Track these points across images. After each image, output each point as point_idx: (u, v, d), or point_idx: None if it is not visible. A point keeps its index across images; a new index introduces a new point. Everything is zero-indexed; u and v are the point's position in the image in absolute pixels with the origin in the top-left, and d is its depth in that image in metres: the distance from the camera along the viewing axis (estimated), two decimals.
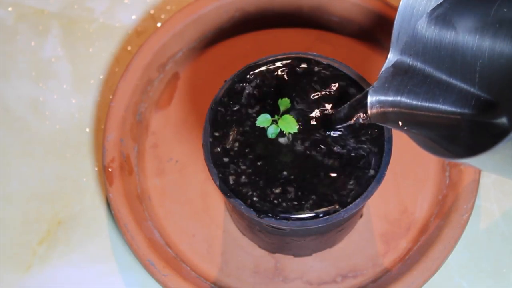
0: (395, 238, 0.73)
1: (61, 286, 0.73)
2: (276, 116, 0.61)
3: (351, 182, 0.60)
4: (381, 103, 0.58)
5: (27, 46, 0.81)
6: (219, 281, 0.72)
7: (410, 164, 0.75)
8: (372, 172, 0.60)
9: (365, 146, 0.61)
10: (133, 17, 0.82)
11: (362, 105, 0.59)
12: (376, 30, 0.78)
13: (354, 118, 0.59)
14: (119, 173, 0.73)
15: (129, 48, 0.81)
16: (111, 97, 0.77)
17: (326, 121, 0.61)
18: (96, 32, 0.82)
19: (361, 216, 0.73)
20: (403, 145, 0.73)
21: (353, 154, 0.61)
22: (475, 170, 0.71)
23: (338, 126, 0.61)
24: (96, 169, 0.77)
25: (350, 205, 0.59)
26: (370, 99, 0.58)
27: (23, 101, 0.79)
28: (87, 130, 0.78)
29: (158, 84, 0.77)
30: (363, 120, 0.59)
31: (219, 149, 0.61)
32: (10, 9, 0.82)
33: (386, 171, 0.60)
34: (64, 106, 0.79)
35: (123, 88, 0.75)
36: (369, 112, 0.58)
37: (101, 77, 0.80)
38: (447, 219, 0.71)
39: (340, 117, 0.60)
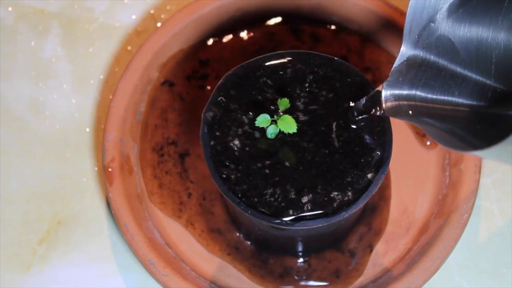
0: (395, 238, 0.73)
1: (61, 286, 0.73)
2: (275, 116, 0.61)
3: (352, 182, 0.60)
4: (396, 97, 0.58)
5: (27, 46, 0.81)
6: (219, 281, 0.72)
7: (410, 164, 0.75)
8: (372, 172, 0.60)
9: (366, 147, 0.61)
10: (133, 17, 0.82)
11: (376, 99, 0.59)
12: (376, 30, 0.78)
13: (370, 111, 0.59)
14: (119, 173, 0.73)
15: (129, 48, 0.81)
16: (111, 97, 0.76)
17: (338, 115, 0.61)
18: (96, 32, 0.81)
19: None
20: (403, 145, 0.73)
21: (353, 154, 0.61)
22: (475, 170, 0.71)
23: (355, 119, 0.61)
24: (96, 169, 0.77)
25: (351, 205, 0.59)
26: (385, 93, 0.58)
27: (23, 101, 0.79)
28: (87, 130, 0.78)
29: (158, 83, 0.77)
30: (378, 113, 0.59)
31: (219, 149, 0.61)
32: (10, 9, 0.82)
33: (386, 171, 0.60)
34: (64, 106, 0.79)
35: (123, 88, 0.75)
36: (383, 105, 0.58)
37: (101, 77, 0.80)
38: (447, 219, 0.71)
39: (356, 110, 0.60)
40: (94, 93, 0.79)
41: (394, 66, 0.59)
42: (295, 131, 0.60)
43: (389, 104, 0.58)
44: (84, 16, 0.82)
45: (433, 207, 0.73)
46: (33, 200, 0.76)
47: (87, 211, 0.76)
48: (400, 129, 0.73)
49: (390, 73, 0.59)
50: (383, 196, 0.73)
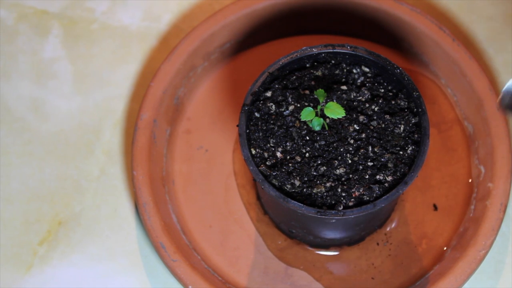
0: (409, 262, 0.72)
1: (61, 286, 0.73)
2: (318, 107, 0.62)
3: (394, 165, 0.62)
4: None
5: (27, 46, 0.81)
6: (227, 276, 0.72)
7: (438, 190, 0.74)
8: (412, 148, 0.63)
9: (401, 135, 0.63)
10: (134, 17, 0.82)
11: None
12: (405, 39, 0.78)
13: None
14: (147, 153, 0.72)
15: (129, 48, 0.81)
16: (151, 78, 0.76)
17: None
18: (96, 32, 0.82)
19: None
20: (435, 171, 0.74)
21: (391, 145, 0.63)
22: (500, 208, 0.70)
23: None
24: (96, 169, 0.77)
25: (379, 199, 0.61)
26: (506, 88, 0.62)
27: (24, 101, 0.79)
28: (88, 130, 0.78)
29: (201, 71, 0.77)
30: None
31: (259, 143, 0.63)
32: (11, 9, 0.82)
33: (417, 174, 0.62)
34: (64, 106, 0.79)
35: (165, 70, 0.74)
36: (501, 96, 0.62)
37: (102, 77, 0.80)
38: (464, 252, 0.70)
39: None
40: (94, 94, 0.79)
41: None
42: (344, 114, 0.61)
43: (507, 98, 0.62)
44: (85, 17, 0.82)
45: (452, 238, 0.73)
46: (34, 201, 0.76)
47: (87, 212, 0.75)
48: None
49: None
50: (403, 216, 0.74)
